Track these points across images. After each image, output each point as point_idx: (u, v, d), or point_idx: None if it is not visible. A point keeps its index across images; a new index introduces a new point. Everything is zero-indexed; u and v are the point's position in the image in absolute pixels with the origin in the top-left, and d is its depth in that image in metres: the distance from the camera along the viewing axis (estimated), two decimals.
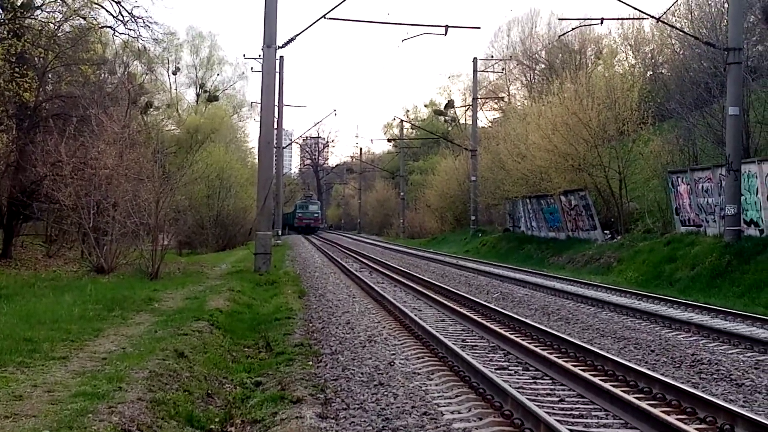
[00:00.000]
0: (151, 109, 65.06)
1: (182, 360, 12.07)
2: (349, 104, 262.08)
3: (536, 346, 14.13)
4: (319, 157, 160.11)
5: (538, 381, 11.97)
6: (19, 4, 31.75)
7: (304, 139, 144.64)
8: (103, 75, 42.52)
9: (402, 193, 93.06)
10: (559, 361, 12.58)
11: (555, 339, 14.90)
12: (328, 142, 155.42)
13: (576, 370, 11.82)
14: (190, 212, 47.80)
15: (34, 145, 30.72)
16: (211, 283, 25.95)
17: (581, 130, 41.24)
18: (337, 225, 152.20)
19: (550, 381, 11.92)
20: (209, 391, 11.19)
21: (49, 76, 34.87)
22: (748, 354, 14.65)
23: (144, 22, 35.21)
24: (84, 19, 34.42)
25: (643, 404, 9.70)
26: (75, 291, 20.50)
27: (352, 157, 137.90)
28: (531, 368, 12.81)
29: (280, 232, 64.09)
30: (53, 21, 34.44)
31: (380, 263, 38.75)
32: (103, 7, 34.65)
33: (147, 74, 66.09)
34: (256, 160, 46.39)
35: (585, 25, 45.26)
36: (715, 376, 12.54)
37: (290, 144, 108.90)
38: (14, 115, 32.96)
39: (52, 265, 32.13)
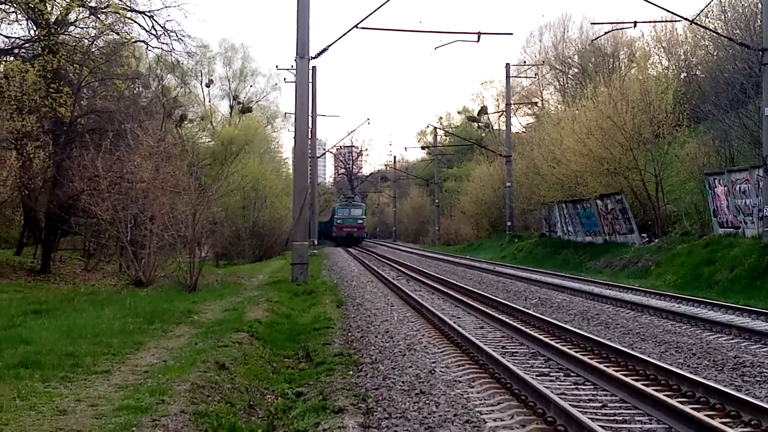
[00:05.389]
0: (186, 122, 65.31)
1: (223, 372, 12.11)
2: (383, 113, 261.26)
3: (577, 352, 14.08)
4: (354, 166, 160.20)
5: (579, 387, 11.90)
6: (53, 20, 32.04)
7: (338, 149, 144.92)
8: (137, 89, 42.78)
9: (437, 201, 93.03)
10: (601, 366, 12.51)
11: (595, 344, 14.82)
12: (362, 150, 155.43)
13: (618, 375, 11.76)
14: (227, 223, 48.05)
15: (71, 160, 30.94)
16: (249, 294, 26.00)
17: (616, 133, 40.99)
18: (372, 233, 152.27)
19: (592, 386, 11.86)
20: (251, 402, 11.21)
21: (84, 91, 35.14)
22: None
23: (177, 36, 35.56)
24: (117, 34, 34.74)
25: (687, 408, 9.63)
26: (114, 305, 20.60)
27: (386, 165, 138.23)
28: (572, 374, 12.76)
29: (316, 242, 64.13)
30: (87, 37, 34.78)
31: (417, 271, 38.74)
32: (136, 22, 35.01)
33: (181, 87, 66.61)
34: (291, 171, 46.54)
35: (618, 29, 44.99)
36: (758, 379, 12.44)
37: (324, 153, 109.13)
38: (50, 131, 33.29)
39: (91, 279, 32.38)
